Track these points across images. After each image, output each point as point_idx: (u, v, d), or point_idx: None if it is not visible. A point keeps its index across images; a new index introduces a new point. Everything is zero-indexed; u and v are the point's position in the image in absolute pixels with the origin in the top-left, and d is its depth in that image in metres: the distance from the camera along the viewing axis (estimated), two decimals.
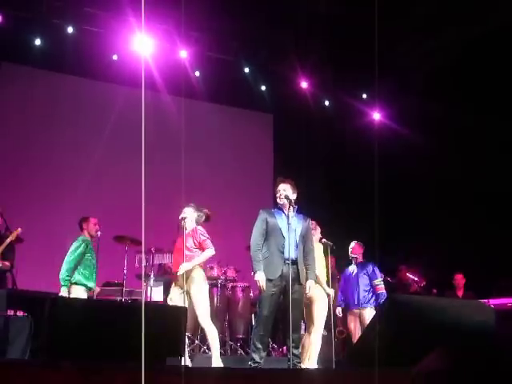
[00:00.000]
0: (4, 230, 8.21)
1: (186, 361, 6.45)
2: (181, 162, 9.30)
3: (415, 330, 4.46)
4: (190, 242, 6.75)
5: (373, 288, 8.58)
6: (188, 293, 6.65)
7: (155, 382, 3.50)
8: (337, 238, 8.21)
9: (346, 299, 8.74)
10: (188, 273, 6.65)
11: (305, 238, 6.40)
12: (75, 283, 7.51)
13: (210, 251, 6.75)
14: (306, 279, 6.26)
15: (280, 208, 6.41)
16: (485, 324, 4.97)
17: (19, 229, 8.02)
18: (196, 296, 6.58)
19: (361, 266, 8.77)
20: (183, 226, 6.91)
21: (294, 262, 6.12)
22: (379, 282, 8.61)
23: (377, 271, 8.68)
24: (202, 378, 3.80)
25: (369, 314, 8.32)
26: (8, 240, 7.93)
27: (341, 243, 8.39)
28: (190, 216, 6.98)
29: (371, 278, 8.62)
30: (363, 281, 8.63)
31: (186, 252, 6.67)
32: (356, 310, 8.59)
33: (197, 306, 6.57)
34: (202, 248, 6.72)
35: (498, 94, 10.48)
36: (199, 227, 6.89)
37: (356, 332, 8.50)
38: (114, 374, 3.40)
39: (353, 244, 8.92)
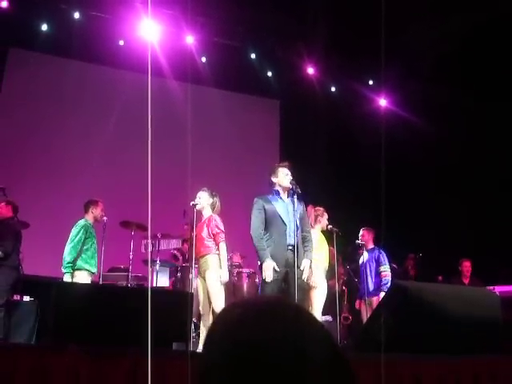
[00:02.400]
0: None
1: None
2: (187, 147, 9.31)
3: (420, 317, 4.46)
4: (205, 232, 6.76)
5: (379, 275, 8.52)
6: (203, 278, 6.69)
7: (161, 367, 3.52)
8: (342, 225, 8.20)
9: (361, 289, 8.74)
10: (204, 259, 6.71)
11: (302, 222, 6.39)
12: (78, 269, 7.53)
13: (224, 246, 6.81)
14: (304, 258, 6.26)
15: (277, 192, 6.40)
16: (490, 311, 4.97)
17: None
18: (211, 282, 6.61)
19: (370, 252, 8.73)
20: (197, 211, 6.93)
21: (296, 248, 6.11)
22: (384, 268, 8.53)
23: (383, 257, 8.60)
24: None
25: (377, 302, 8.27)
26: None
27: (346, 229, 8.37)
28: (205, 202, 6.99)
29: (377, 265, 8.57)
30: (371, 268, 8.58)
31: (203, 242, 6.75)
32: (367, 299, 8.50)
33: (212, 292, 6.60)
34: (215, 240, 6.73)
35: (506, 80, 10.42)
36: (215, 216, 6.89)
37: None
38: (119, 359, 3.42)
39: (361, 231, 8.87)
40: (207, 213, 6.98)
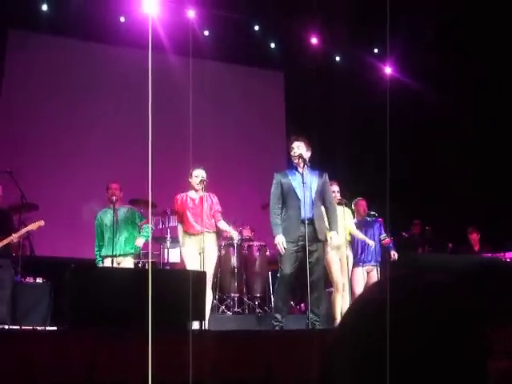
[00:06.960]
0: (20, 197, 8.14)
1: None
2: (191, 122, 9.29)
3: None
4: (206, 209, 6.85)
5: (379, 244, 8.52)
6: (199, 255, 6.78)
7: (176, 347, 3.55)
8: (351, 195, 8.24)
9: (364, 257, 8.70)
10: (203, 236, 6.75)
11: (322, 194, 6.39)
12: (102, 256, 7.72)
13: (224, 223, 7.08)
14: (330, 230, 6.33)
15: (294, 167, 6.40)
16: (502, 279, 4.97)
17: (42, 221, 7.66)
18: (206, 259, 6.70)
19: (364, 222, 8.68)
20: (203, 187, 7.01)
21: (311, 221, 6.12)
22: (384, 237, 8.58)
23: (382, 227, 8.65)
24: (223, 342, 3.85)
25: (375, 272, 8.33)
26: (27, 229, 7.58)
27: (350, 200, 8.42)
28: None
29: (376, 234, 8.57)
30: (368, 237, 8.53)
31: (205, 217, 6.83)
32: (367, 267, 8.44)
33: (206, 267, 6.68)
34: (214, 218, 6.88)
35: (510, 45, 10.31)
36: (212, 194, 7.03)
37: (357, 290, 7.99)
38: (135, 341, 3.45)
39: (355, 200, 8.80)
40: (201, 191, 7.09)
